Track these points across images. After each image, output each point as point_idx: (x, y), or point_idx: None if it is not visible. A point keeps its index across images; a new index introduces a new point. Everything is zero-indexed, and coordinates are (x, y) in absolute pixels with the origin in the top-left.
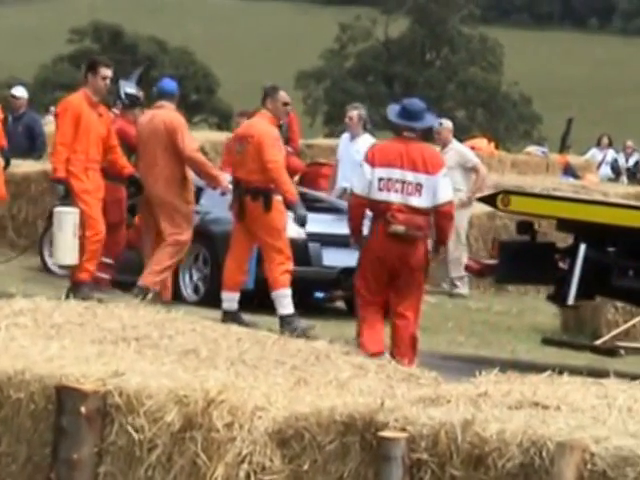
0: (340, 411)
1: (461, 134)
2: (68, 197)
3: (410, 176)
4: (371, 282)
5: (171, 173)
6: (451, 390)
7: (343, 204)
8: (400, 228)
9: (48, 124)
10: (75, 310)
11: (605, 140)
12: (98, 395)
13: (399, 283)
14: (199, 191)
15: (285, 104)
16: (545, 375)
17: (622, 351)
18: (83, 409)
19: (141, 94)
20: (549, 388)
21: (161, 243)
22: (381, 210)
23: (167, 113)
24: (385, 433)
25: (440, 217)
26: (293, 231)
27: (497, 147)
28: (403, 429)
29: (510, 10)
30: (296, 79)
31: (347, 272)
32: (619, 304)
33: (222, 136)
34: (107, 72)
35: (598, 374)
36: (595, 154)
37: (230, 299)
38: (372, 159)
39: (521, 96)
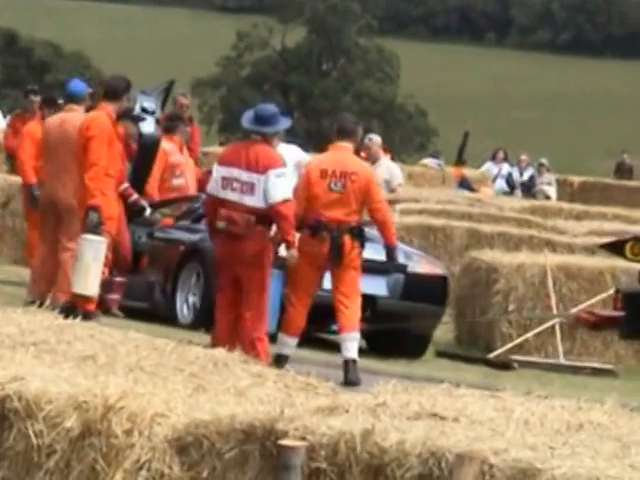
0: (240, 419)
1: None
2: (101, 225)
3: (245, 175)
4: (221, 279)
5: (82, 180)
6: (350, 400)
7: None
8: (221, 224)
9: None
10: None
11: (500, 154)
12: None
13: (242, 283)
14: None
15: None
16: (443, 387)
17: (515, 364)
18: None
19: (158, 110)
20: (447, 400)
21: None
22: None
23: (79, 117)
24: (285, 442)
25: (275, 217)
26: (283, 251)
27: (393, 159)
28: (303, 438)
29: (407, 22)
30: (192, 86)
31: None
32: (513, 318)
33: None
34: None
35: (488, 387)
36: (490, 168)
37: (291, 344)
38: (219, 159)
39: (417, 108)
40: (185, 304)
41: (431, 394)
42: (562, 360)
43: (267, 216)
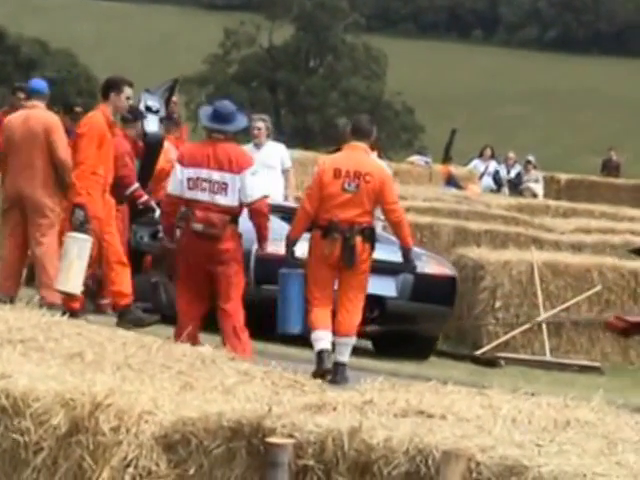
0: (228, 416)
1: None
2: (86, 223)
3: (216, 175)
4: (188, 280)
5: (49, 175)
6: (337, 397)
7: None
8: (198, 226)
9: None
10: None
11: (488, 151)
12: None
13: (216, 280)
14: None
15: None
16: (430, 384)
17: (502, 362)
18: None
19: (163, 108)
20: (434, 397)
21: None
22: (190, 209)
23: (43, 114)
24: (272, 439)
25: (253, 214)
26: (299, 251)
27: (380, 156)
28: (290, 435)
29: (396, 19)
30: (179, 84)
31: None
32: (500, 315)
33: None
34: (130, 91)
35: (475, 384)
36: (477, 165)
37: (325, 337)
38: (182, 160)
39: (404, 106)
40: None
41: (418, 391)
42: (549, 357)
43: (238, 214)
